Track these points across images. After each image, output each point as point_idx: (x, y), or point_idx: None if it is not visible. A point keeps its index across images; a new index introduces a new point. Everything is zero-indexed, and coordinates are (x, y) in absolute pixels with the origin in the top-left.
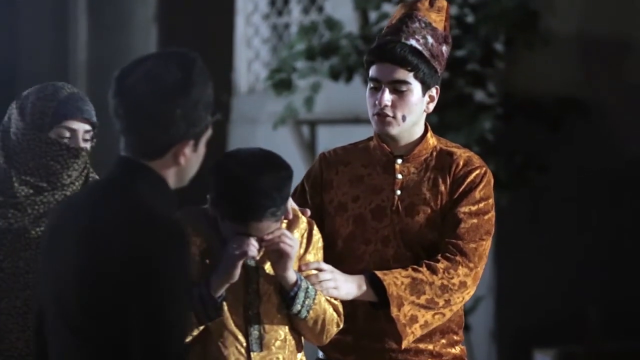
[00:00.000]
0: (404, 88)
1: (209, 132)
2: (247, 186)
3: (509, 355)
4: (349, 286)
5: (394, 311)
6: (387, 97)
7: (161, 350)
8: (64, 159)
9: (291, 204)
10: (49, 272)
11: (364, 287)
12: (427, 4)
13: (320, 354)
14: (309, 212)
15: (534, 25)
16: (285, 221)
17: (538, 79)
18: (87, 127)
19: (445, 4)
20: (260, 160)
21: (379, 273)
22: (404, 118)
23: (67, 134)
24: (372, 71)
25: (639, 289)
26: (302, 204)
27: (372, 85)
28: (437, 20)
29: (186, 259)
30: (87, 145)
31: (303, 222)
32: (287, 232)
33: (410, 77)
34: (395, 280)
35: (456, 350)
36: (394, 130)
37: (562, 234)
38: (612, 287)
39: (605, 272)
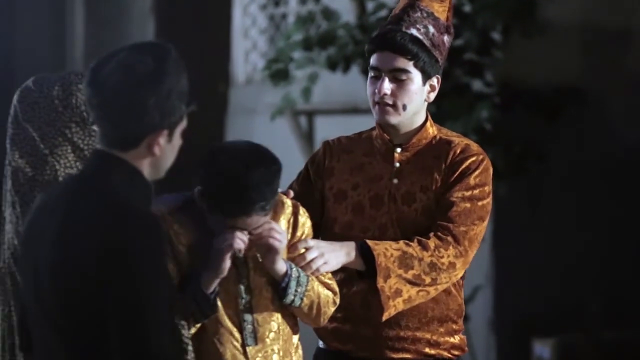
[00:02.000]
0: (403, 77)
1: (183, 123)
2: (237, 180)
3: (508, 345)
4: (338, 255)
5: (379, 282)
6: (387, 85)
7: (140, 344)
8: None
9: None
10: (28, 268)
11: (353, 254)
12: None
13: (321, 344)
14: (291, 194)
15: (532, 14)
16: None
17: (536, 68)
18: None
19: None
20: (250, 154)
21: (370, 242)
22: (404, 107)
23: None
24: (372, 60)
25: (638, 278)
26: (306, 190)
27: (372, 74)
28: (440, 10)
29: (161, 252)
30: None
31: (288, 206)
32: (275, 226)
33: (410, 65)
34: (385, 251)
35: (455, 339)
36: (394, 119)
37: (560, 223)
38: (612, 276)
39: (605, 261)
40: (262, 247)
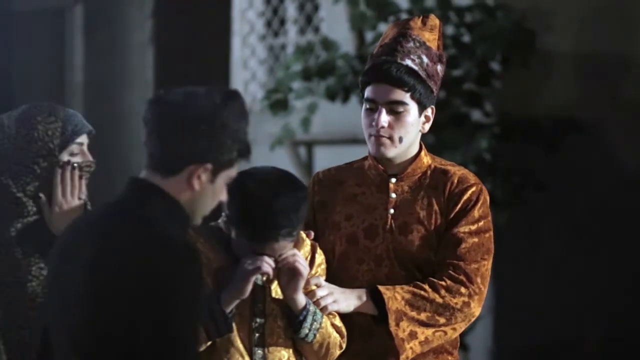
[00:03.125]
0: (400, 109)
1: (232, 171)
2: (265, 206)
3: None
4: (348, 297)
5: (392, 325)
6: (384, 118)
7: None
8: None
9: None
10: (58, 299)
11: (364, 298)
12: (419, 22)
13: None
14: (312, 235)
15: (531, 45)
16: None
17: (535, 98)
18: (86, 139)
19: (437, 22)
20: (278, 179)
21: (381, 287)
22: (400, 139)
23: (77, 151)
24: (368, 92)
25: (638, 310)
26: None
27: (367, 106)
28: (431, 39)
29: (197, 279)
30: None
31: (307, 244)
32: (299, 253)
33: (407, 97)
34: (396, 295)
35: None
36: (390, 152)
37: (560, 254)
38: (611, 307)
39: (605, 292)
40: (287, 272)
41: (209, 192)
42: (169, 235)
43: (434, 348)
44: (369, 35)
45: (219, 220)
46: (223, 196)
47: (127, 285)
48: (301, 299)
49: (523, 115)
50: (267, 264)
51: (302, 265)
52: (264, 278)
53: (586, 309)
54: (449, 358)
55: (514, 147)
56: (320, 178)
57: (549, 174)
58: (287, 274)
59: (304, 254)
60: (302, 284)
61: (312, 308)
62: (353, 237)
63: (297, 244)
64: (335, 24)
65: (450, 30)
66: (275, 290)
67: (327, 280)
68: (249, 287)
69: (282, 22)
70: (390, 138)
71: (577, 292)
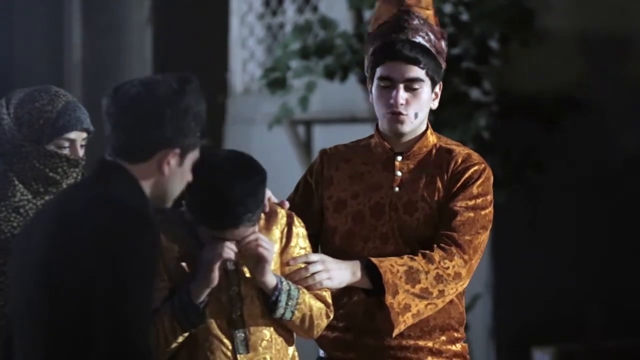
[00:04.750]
0: (417, 86)
1: (196, 152)
2: (220, 194)
3: (507, 354)
4: (343, 274)
5: (388, 299)
6: (403, 95)
7: (123, 344)
8: (63, 170)
9: (269, 197)
10: (16, 268)
11: (359, 274)
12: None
13: (322, 353)
14: (287, 204)
15: (529, 23)
16: (263, 216)
17: (534, 76)
18: (84, 135)
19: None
20: (233, 165)
21: (374, 260)
22: (416, 115)
23: (66, 144)
24: (382, 70)
25: (638, 286)
26: (306, 200)
27: (383, 84)
28: (430, 15)
29: (153, 252)
30: (83, 152)
31: (283, 216)
32: (262, 236)
33: (422, 74)
34: (391, 267)
35: (457, 347)
36: (407, 127)
37: (559, 232)
38: (611, 284)
39: (604, 268)
40: (251, 258)
41: (178, 175)
42: (127, 204)
43: (440, 325)
44: (367, 14)
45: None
46: (190, 177)
47: (81, 251)
48: (271, 280)
49: (522, 94)
50: (229, 249)
51: (266, 248)
52: (232, 265)
53: (586, 286)
54: (456, 335)
55: (513, 125)
56: (328, 154)
57: (548, 152)
58: (251, 259)
59: (279, 228)
60: (268, 268)
61: (285, 286)
62: (359, 215)
63: (271, 218)
64: (334, 2)
65: (448, 8)
66: (250, 273)
67: (330, 256)
68: (215, 275)
69: (280, 1)
70: (407, 115)
71: (577, 271)
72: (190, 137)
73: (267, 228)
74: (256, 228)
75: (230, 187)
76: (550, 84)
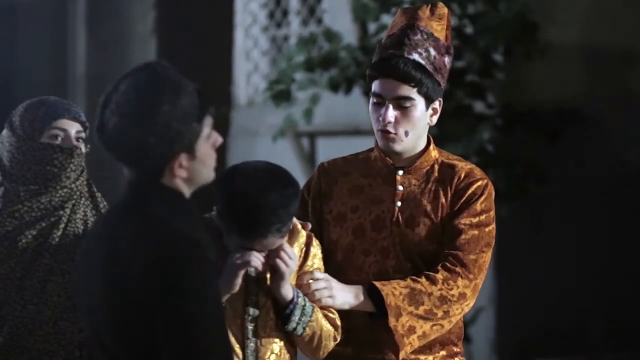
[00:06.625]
0: (407, 104)
1: (204, 132)
2: (253, 203)
3: None
4: (346, 295)
5: (391, 321)
6: (391, 113)
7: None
8: (59, 161)
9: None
10: (83, 307)
11: (362, 297)
12: (427, 12)
13: None
14: (309, 226)
15: (533, 36)
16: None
17: (537, 89)
18: (78, 126)
19: (446, 11)
20: (267, 176)
21: (377, 283)
22: (406, 134)
23: (60, 134)
24: (375, 86)
25: (639, 300)
26: (302, 215)
27: (374, 100)
28: (439, 29)
29: (203, 270)
30: (82, 147)
31: (302, 235)
32: (288, 249)
33: (414, 92)
34: (393, 290)
35: None
36: (398, 147)
37: (562, 245)
38: (613, 297)
39: (606, 282)
40: (271, 268)
41: (199, 162)
42: (172, 225)
43: (440, 340)
44: (372, 27)
45: (213, 210)
46: (212, 159)
47: (137, 278)
48: (287, 293)
49: (525, 107)
50: (256, 259)
51: (285, 262)
52: (253, 272)
53: (588, 299)
54: (455, 349)
55: (516, 138)
56: (326, 168)
57: (552, 165)
58: (271, 270)
59: (298, 246)
60: (284, 282)
61: (300, 301)
62: (360, 228)
63: (292, 236)
64: (338, 15)
65: (453, 21)
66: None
67: (331, 271)
68: (238, 282)
69: (285, 14)
70: (396, 133)
71: (579, 284)
72: (184, 137)
73: (289, 244)
74: (284, 241)
75: (264, 196)
76: (554, 97)
